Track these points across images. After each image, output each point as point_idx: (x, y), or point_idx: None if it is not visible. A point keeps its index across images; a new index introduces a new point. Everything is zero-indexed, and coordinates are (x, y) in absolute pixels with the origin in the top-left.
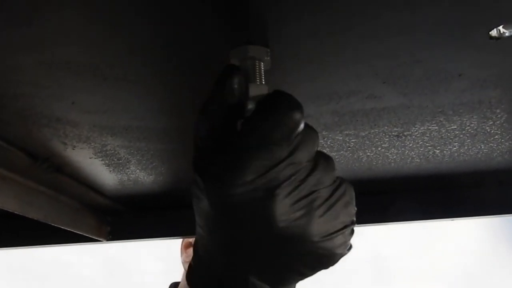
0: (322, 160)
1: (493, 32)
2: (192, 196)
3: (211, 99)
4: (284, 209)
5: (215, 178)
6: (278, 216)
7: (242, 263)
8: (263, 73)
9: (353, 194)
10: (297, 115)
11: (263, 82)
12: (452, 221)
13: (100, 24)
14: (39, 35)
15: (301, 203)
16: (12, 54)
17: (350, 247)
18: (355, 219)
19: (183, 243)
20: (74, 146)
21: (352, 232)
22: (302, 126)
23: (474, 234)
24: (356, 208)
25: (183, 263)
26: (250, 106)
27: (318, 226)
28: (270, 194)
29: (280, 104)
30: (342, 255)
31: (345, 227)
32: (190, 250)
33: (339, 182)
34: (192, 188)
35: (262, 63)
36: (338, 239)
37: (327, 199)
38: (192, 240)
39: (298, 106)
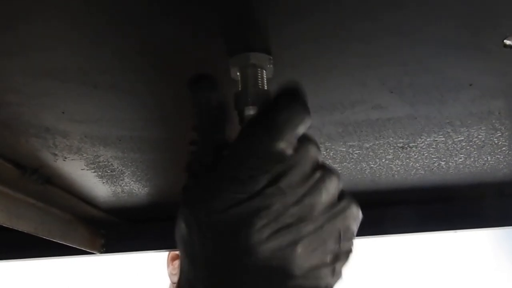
0: (323, 180)
1: (508, 40)
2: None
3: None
4: (261, 239)
5: (192, 202)
6: (253, 245)
7: None
8: (265, 82)
9: (357, 216)
10: (277, 146)
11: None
12: (456, 233)
13: (89, 29)
14: (25, 40)
15: (283, 233)
16: None
17: (339, 277)
18: (352, 248)
19: (169, 255)
20: (65, 157)
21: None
22: (287, 154)
23: (479, 246)
24: (355, 236)
25: (170, 275)
26: (253, 112)
27: (302, 259)
28: (244, 223)
29: (260, 130)
30: (328, 286)
31: (335, 259)
32: (177, 262)
33: (344, 205)
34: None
35: (264, 71)
36: (323, 272)
37: (318, 228)
38: (178, 252)
39: (281, 133)
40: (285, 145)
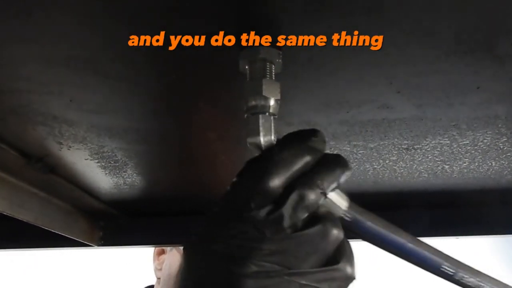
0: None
1: None
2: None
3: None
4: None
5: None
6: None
7: None
8: (273, 76)
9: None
10: (270, 184)
11: None
12: (458, 239)
13: (103, 20)
14: (39, 28)
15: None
16: (8, 46)
17: None
18: None
19: (156, 250)
20: (70, 146)
21: None
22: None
23: (482, 253)
24: None
25: (155, 270)
26: (263, 102)
27: None
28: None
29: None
30: None
31: None
32: (162, 257)
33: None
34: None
35: (273, 66)
36: None
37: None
38: (164, 248)
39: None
40: (279, 183)
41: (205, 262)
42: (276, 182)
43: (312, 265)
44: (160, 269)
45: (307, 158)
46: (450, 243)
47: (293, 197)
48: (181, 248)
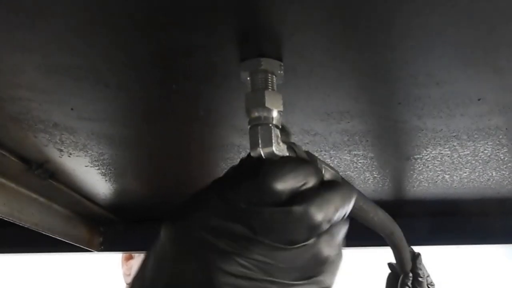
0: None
1: None
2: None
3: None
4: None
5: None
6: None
7: None
8: (275, 87)
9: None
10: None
11: None
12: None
13: (106, 30)
14: (40, 37)
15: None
16: (10, 54)
17: None
18: None
19: (123, 256)
20: (70, 154)
21: None
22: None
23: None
24: None
25: (123, 275)
26: (265, 114)
27: None
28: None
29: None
30: None
31: None
32: (130, 262)
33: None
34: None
35: (275, 77)
36: None
37: None
38: (132, 253)
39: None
40: (283, 188)
41: (187, 246)
42: (281, 186)
43: (294, 277)
44: (129, 275)
45: (312, 171)
46: (464, 251)
47: (299, 209)
48: None
